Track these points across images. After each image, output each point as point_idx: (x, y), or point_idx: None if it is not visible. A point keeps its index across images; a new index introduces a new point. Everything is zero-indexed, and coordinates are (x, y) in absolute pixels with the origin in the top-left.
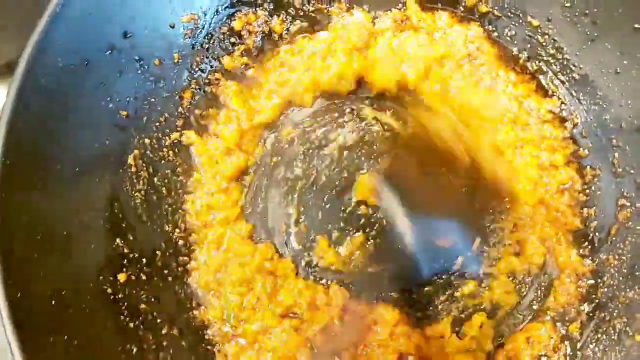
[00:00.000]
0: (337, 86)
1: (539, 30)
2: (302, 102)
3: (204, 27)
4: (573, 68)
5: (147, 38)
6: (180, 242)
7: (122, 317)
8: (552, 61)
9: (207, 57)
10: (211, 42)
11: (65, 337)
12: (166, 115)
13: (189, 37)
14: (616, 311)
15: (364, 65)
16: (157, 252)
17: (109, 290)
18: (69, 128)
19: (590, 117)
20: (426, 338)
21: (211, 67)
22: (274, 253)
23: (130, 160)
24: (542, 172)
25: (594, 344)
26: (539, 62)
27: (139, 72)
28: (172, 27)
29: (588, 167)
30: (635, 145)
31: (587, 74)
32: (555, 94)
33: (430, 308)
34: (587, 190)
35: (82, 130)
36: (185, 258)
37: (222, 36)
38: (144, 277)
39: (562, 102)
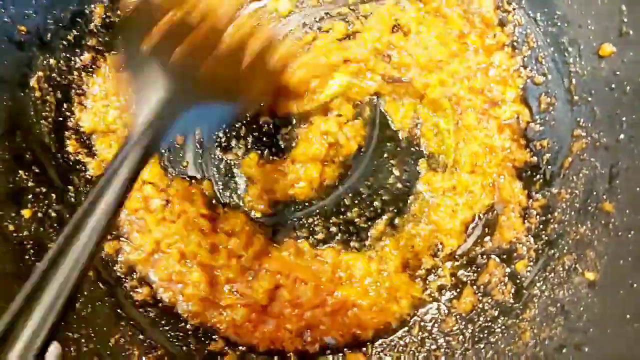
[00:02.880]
0: None
1: None
2: None
3: None
4: None
5: None
6: None
7: (27, 256)
8: None
9: None
10: None
11: None
12: (75, 32)
13: None
14: (566, 248)
15: None
16: (70, 187)
17: (11, 227)
18: None
19: (548, 39)
20: None
21: None
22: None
23: (34, 83)
24: (483, 115)
25: (541, 282)
26: None
27: None
28: None
29: (543, 94)
30: (594, 70)
31: None
32: (510, 14)
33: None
34: (541, 121)
35: None
36: None
37: None
38: (53, 214)
39: (517, 24)
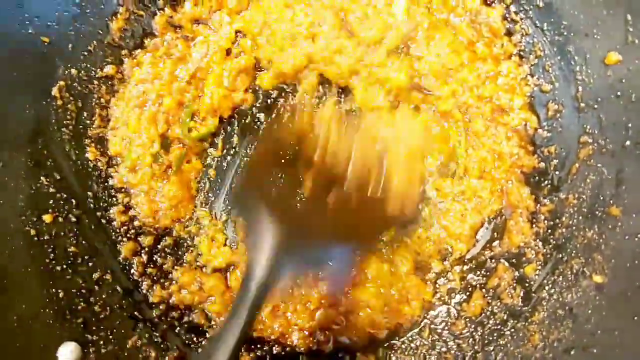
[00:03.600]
0: None
1: None
2: None
3: None
4: None
5: None
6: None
7: (47, 259)
8: None
9: None
10: None
11: None
12: (95, 43)
13: None
14: (574, 252)
15: None
16: (89, 192)
17: (32, 232)
18: None
19: (554, 48)
20: None
21: None
22: None
23: (55, 92)
24: (491, 122)
25: (550, 286)
26: None
27: None
28: None
29: (550, 102)
30: (600, 78)
31: (551, 2)
32: (518, 24)
33: None
34: (548, 128)
35: None
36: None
37: None
38: (73, 219)
39: (525, 34)
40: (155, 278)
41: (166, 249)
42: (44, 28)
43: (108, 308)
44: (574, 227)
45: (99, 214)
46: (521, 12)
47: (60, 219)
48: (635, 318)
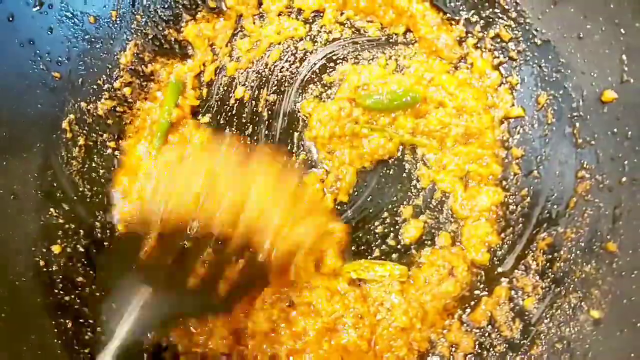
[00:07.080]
0: None
1: None
2: None
3: None
4: (535, 33)
5: None
6: None
7: (55, 290)
8: (513, 26)
9: (151, 17)
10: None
11: None
12: (104, 77)
13: None
14: (572, 286)
15: None
16: (97, 223)
17: (42, 263)
18: None
19: (552, 85)
20: None
21: (157, 25)
22: None
23: (65, 125)
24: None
25: (548, 319)
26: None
27: (72, 29)
28: None
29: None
30: (597, 115)
31: (549, 39)
32: (516, 60)
33: None
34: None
35: (7, 92)
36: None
37: None
38: (81, 249)
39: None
40: None
41: None
42: (55, 64)
43: None
44: (571, 262)
45: (105, 244)
46: (520, 49)
47: (69, 249)
48: (632, 355)
